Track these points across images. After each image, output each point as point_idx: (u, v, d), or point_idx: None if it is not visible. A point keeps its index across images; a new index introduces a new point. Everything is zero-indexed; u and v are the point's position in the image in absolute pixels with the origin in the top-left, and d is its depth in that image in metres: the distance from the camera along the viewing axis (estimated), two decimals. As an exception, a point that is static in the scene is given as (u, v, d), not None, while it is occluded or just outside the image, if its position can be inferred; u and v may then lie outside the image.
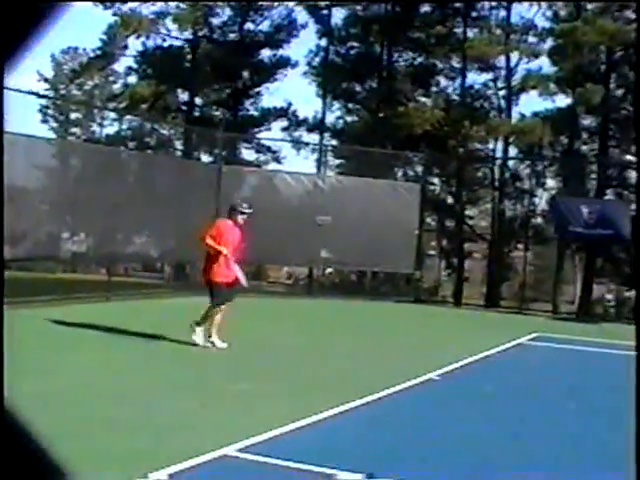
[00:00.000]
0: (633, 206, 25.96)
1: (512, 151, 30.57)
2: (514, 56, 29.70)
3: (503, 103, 30.07)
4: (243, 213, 10.46)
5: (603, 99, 27.43)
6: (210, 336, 10.24)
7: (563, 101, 30.39)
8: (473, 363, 10.86)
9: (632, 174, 29.93)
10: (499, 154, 30.69)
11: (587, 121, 30.54)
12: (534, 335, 15.17)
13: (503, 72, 29.96)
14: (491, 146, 31.22)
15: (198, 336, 10.19)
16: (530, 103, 66.76)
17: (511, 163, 30.77)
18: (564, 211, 22.09)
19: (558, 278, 29.52)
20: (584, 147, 31.00)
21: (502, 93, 30.14)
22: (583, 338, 15.54)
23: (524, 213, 29.56)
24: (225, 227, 10.39)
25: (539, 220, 30.29)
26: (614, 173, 30.41)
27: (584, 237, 22.76)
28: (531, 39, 30.15)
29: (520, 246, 29.04)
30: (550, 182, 30.72)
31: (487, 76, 30.54)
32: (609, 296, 29.95)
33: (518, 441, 6.71)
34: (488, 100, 30.78)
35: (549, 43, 29.36)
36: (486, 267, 32.03)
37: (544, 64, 29.96)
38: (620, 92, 30.10)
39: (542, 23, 30.16)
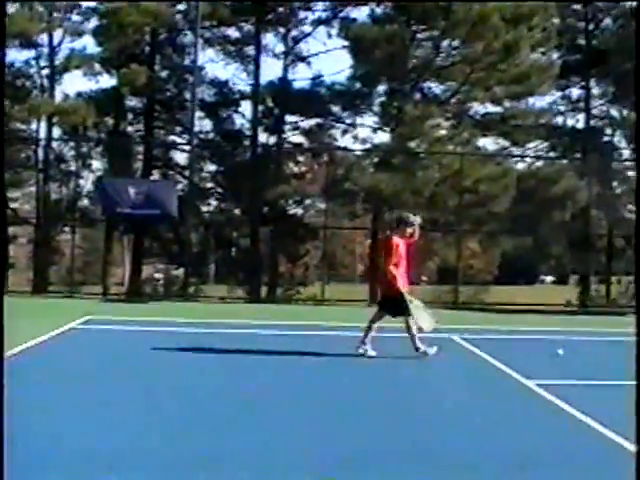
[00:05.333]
0: (179, 185, 27.15)
1: (56, 132, 30.12)
2: (57, 34, 29.25)
3: (46, 82, 29.48)
4: (412, 225, 10.95)
5: (148, 80, 28.12)
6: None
7: (108, 82, 30.65)
8: (21, 353, 10.66)
9: (176, 154, 31.26)
10: (43, 135, 30.07)
11: (132, 102, 31.08)
12: (86, 318, 15.31)
13: (46, 50, 29.34)
14: (34, 126, 30.48)
15: (426, 346, 11.05)
16: (74, 83, 66.58)
17: (55, 144, 30.27)
18: (111, 192, 22.43)
19: (107, 260, 29.87)
20: (130, 128, 31.56)
21: (45, 72, 29.53)
22: (134, 318, 16.02)
23: (70, 195, 29.34)
24: (400, 245, 10.81)
25: (86, 202, 30.29)
26: (159, 154, 31.43)
27: (132, 217, 23.30)
28: (75, 17, 29.89)
29: (67, 229, 28.83)
30: (96, 163, 30.82)
31: (29, 54, 29.68)
32: (158, 275, 30.88)
33: (87, 426, 6.81)
34: (30, 79, 29.93)
35: (94, 22, 29.30)
36: (32, 252, 31.32)
37: (88, 44, 29.88)
38: (165, 74, 31.06)
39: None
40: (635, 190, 21.64)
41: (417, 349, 11.20)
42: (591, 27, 32.99)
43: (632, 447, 6.41)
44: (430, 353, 11.18)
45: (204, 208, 30.78)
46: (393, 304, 11.17)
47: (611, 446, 6.56)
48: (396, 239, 11.00)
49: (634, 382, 9.80)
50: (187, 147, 28.18)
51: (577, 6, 32.71)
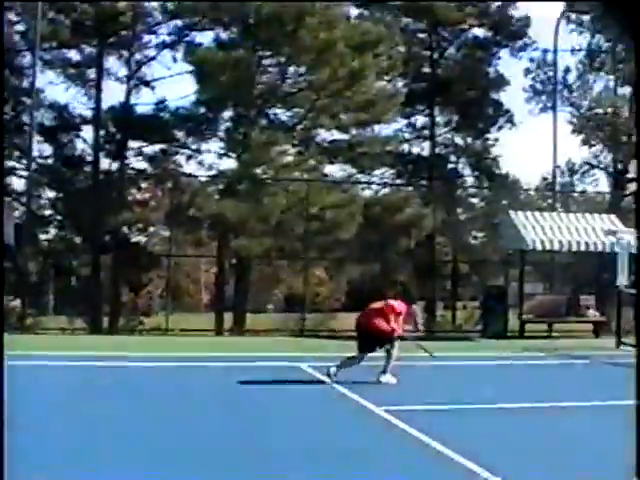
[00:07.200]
0: (16, 212, 26.20)
1: None
2: None
3: None
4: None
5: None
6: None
7: None
8: None
9: (13, 180, 30.17)
10: None
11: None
12: None
13: None
14: None
15: (388, 377, 11.80)
16: None
17: None
18: None
19: None
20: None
21: None
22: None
23: None
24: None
25: None
26: (-5, 179, 30.30)
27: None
28: None
29: None
30: None
31: None
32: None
33: None
34: None
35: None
36: None
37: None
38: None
39: None
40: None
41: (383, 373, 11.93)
42: (436, 56, 34.08)
43: (475, 467, 6.53)
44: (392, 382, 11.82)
45: (42, 236, 29.85)
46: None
47: (457, 468, 6.65)
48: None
49: (478, 405, 10.06)
50: (25, 172, 27.32)
51: (422, 35, 33.77)
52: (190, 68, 28.15)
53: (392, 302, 12.11)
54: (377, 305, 12.13)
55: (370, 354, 12.03)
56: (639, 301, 20.10)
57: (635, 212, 21.68)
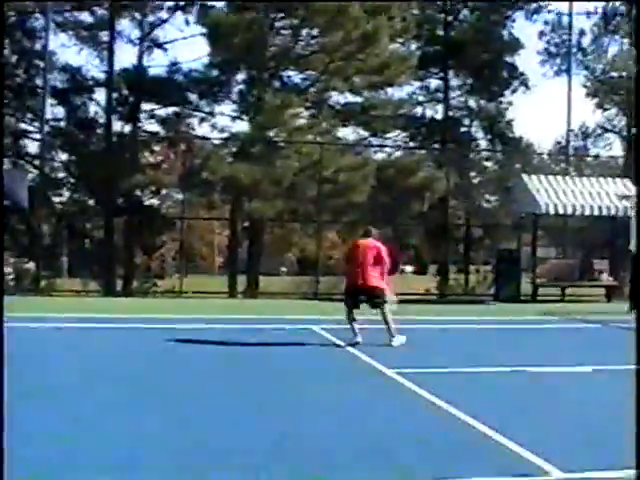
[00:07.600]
0: (30, 175, 26.28)
1: None
2: None
3: None
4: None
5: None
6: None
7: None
8: None
9: (27, 143, 30.25)
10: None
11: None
12: None
13: None
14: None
15: (399, 339, 11.83)
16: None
17: None
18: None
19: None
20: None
21: None
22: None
23: None
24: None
25: None
26: (9, 142, 30.33)
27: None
28: None
29: None
30: None
31: None
32: (7, 269, 29.85)
33: None
34: None
35: None
36: None
37: None
38: (14, 58, 29.97)
39: None
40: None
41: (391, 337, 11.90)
42: (449, 19, 33.82)
43: (484, 429, 6.59)
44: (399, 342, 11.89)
45: (56, 199, 29.95)
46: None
47: (466, 430, 6.71)
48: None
49: (489, 368, 10.12)
50: (38, 135, 27.36)
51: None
52: (203, 30, 28.03)
53: (384, 255, 12.10)
54: (370, 257, 12.04)
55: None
56: (636, 266, 20.15)
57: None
